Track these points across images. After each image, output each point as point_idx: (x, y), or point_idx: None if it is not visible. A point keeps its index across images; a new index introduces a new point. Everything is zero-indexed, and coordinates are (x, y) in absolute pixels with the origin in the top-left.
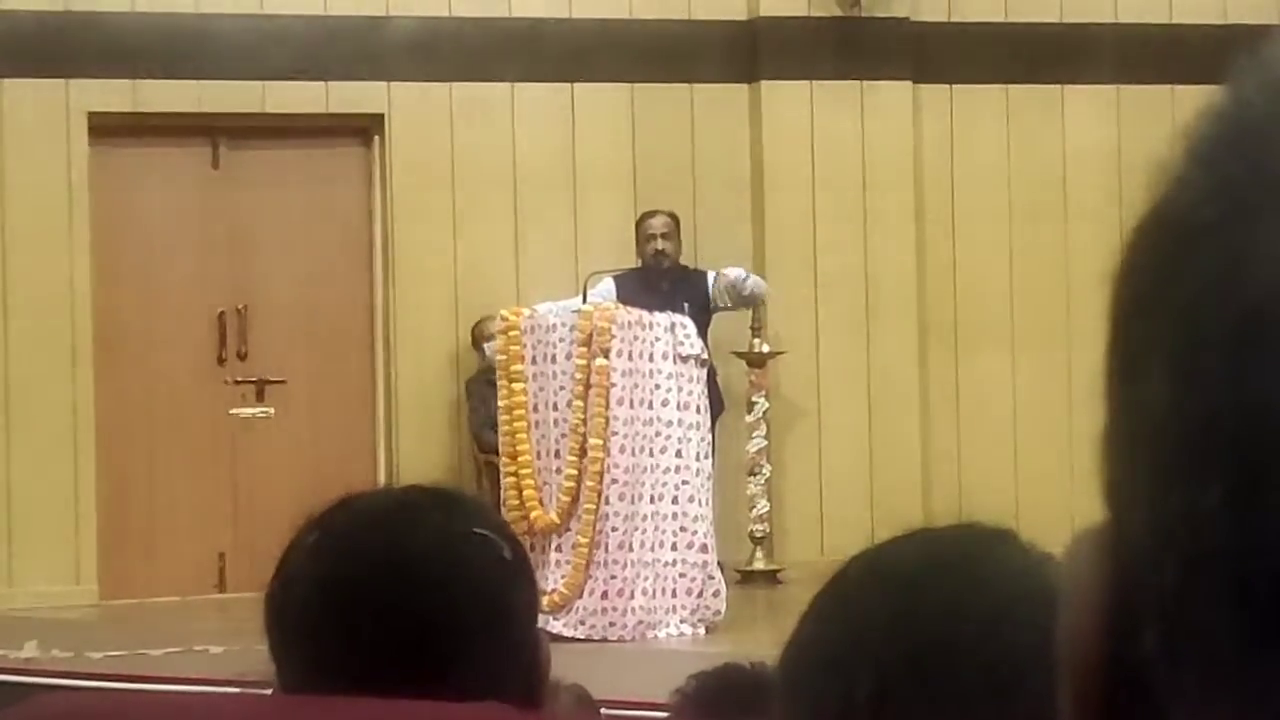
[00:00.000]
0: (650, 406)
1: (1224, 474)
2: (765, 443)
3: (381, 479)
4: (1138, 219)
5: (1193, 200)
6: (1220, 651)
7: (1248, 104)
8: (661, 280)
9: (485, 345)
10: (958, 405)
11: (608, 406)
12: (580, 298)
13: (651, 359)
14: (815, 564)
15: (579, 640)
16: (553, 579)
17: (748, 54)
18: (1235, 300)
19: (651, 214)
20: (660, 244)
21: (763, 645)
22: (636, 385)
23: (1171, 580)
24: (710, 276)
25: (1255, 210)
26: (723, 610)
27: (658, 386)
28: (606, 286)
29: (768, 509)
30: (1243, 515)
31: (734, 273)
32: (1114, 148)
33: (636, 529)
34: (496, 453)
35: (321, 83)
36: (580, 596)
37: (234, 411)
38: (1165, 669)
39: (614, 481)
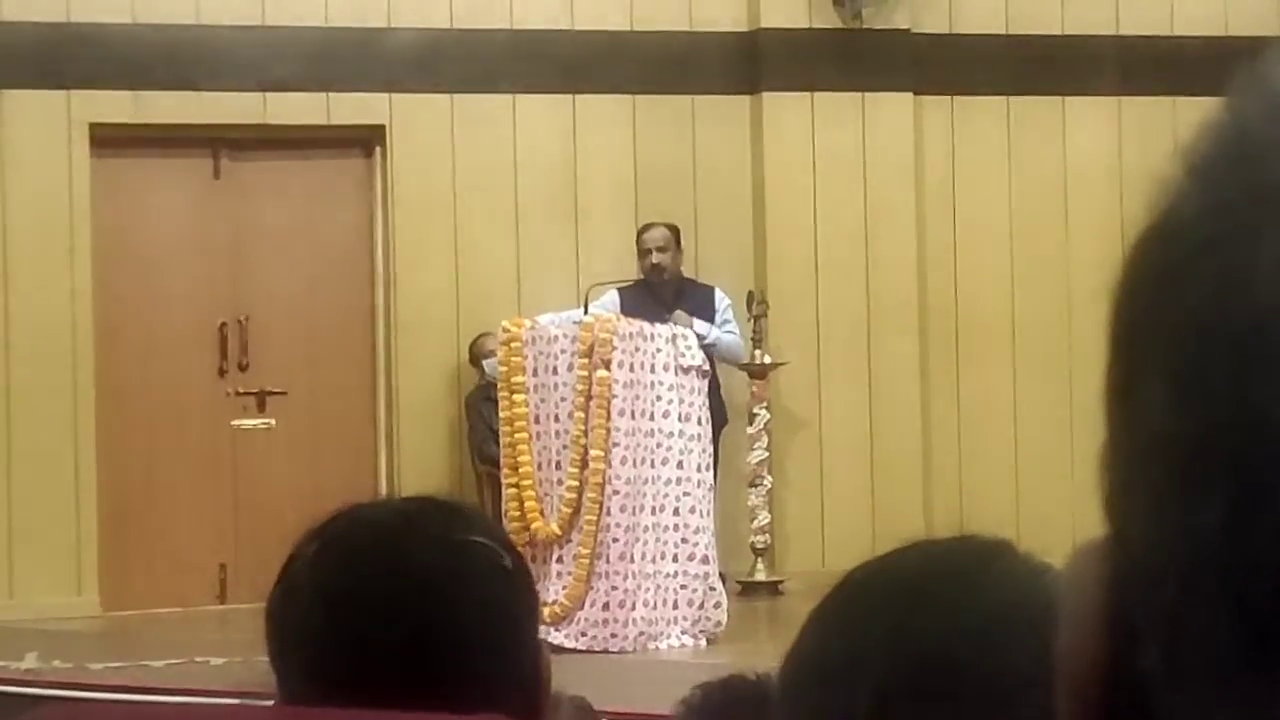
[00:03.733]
0: (651, 418)
1: (1223, 489)
2: (766, 454)
3: (382, 489)
4: (1137, 234)
5: (1192, 216)
6: (1219, 665)
7: (1246, 120)
8: (664, 292)
9: (484, 362)
10: (959, 417)
11: (609, 418)
12: (582, 309)
13: (653, 370)
14: (816, 575)
15: (580, 651)
16: (554, 590)
17: (749, 65)
18: (1235, 316)
19: (648, 227)
20: (656, 258)
21: (764, 656)
22: (638, 397)
23: (1171, 594)
24: (717, 295)
25: (1254, 227)
26: (724, 621)
27: (659, 398)
28: (610, 298)
29: (769, 520)
30: (1242, 531)
31: (727, 339)
32: (1115, 159)
33: (638, 540)
34: (497, 465)
35: (323, 94)
36: (581, 608)
37: (235, 423)
38: (1165, 683)
39: (615, 493)
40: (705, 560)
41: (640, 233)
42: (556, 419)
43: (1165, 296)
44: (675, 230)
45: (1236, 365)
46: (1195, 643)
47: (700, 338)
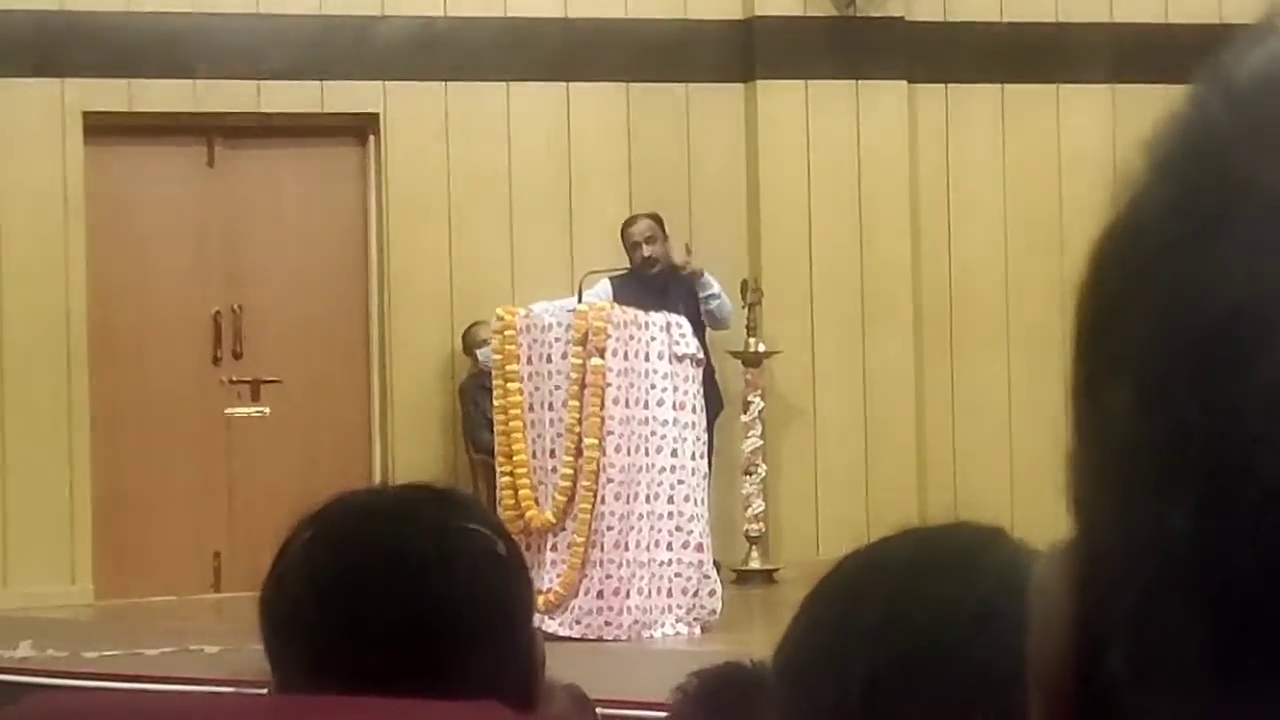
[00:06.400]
0: (646, 406)
1: (1191, 489)
2: (761, 442)
3: (376, 478)
4: (1102, 230)
5: (1157, 212)
6: (1187, 668)
7: (1210, 113)
8: (655, 280)
9: (478, 351)
10: (953, 404)
11: (603, 406)
12: (576, 297)
13: (647, 358)
14: (811, 563)
15: (575, 640)
16: (548, 578)
17: (743, 53)
18: (1201, 314)
19: (632, 221)
20: (647, 250)
21: (758, 644)
22: (632, 385)
23: (1139, 596)
24: (709, 278)
25: (1219, 223)
26: (718, 610)
27: (653, 386)
28: (603, 287)
29: (763, 508)
30: (1209, 531)
31: (714, 300)
32: (1109, 148)
33: (632, 528)
34: (492, 454)
35: (317, 82)
36: (576, 596)
37: (229, 411)
38: (1133, 685)
39: (610, 481)
40: (700, 548)
41: (625, 227)
42: (551, 407)
43: (1129, 294)
44: (659, 219)
45: (1202, 365)
46: (1162, 645)
47: (710, 291)
